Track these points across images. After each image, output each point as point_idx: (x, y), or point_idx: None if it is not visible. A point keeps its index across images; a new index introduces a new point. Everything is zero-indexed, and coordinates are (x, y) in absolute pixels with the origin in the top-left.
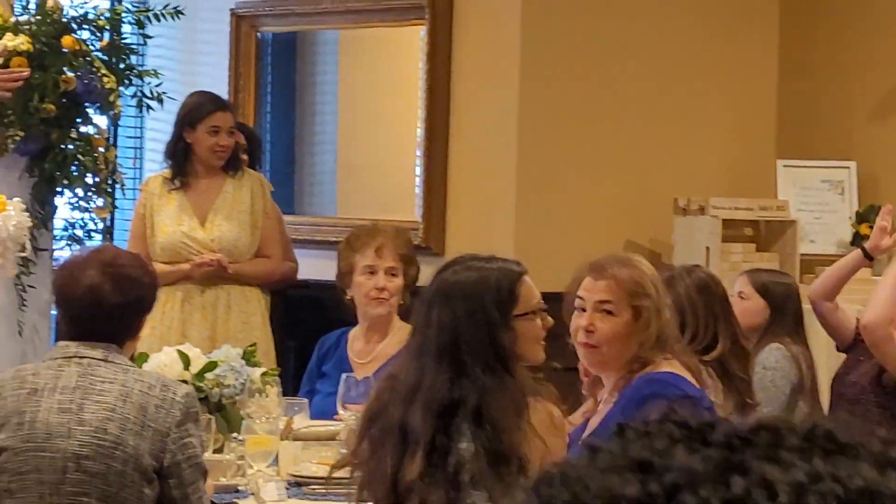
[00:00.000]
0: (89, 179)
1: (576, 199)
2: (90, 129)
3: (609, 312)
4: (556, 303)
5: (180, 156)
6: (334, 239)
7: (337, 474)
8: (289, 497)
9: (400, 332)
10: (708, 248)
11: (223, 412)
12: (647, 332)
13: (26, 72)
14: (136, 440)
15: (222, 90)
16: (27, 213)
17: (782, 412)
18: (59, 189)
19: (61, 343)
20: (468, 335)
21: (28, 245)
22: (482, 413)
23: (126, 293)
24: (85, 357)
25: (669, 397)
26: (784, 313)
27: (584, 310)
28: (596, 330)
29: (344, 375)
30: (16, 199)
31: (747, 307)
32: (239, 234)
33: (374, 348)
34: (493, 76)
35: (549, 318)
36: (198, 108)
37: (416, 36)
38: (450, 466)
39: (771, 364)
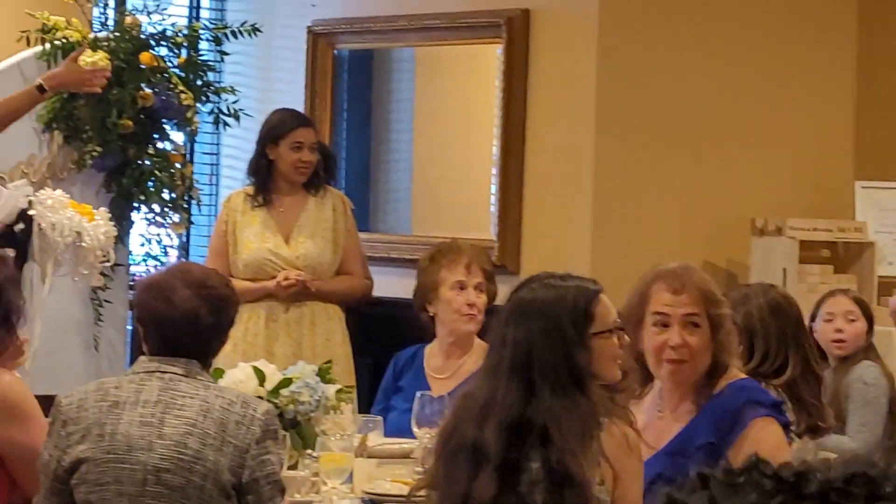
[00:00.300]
0: (166, 195)
1: (652, 218)
2: (167, 146)
3: (696, 325)
4: None
5: (263, 172)
6: (409, 257)
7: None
8: None
9: (479, 350)
10: (785, 270)
11: (298, 429)
12: (728, 340)
13: (108, 71)
14: (216, 455)
15: (298, 107)
16: (112, 223)
17: (885, 429)
18: (135, 205)
19: (143, 358)
20: (542, 353)
21: (112, 254)
22: (548, 434)
23: (220, 315)
24: (167, 372)
25: (764, 402)
26: (872, 334)
27: (665, 325)
28: (685, 344)
29: (418, 393)
30: (102, 209)
31: (859, 329)
32: (322, 252)
33: (453, 364)
34: (570, 94)
35: (626, 337)
36: (280, 125)
37: (492, 54)
38: (522, 486)
39: (870, 380)
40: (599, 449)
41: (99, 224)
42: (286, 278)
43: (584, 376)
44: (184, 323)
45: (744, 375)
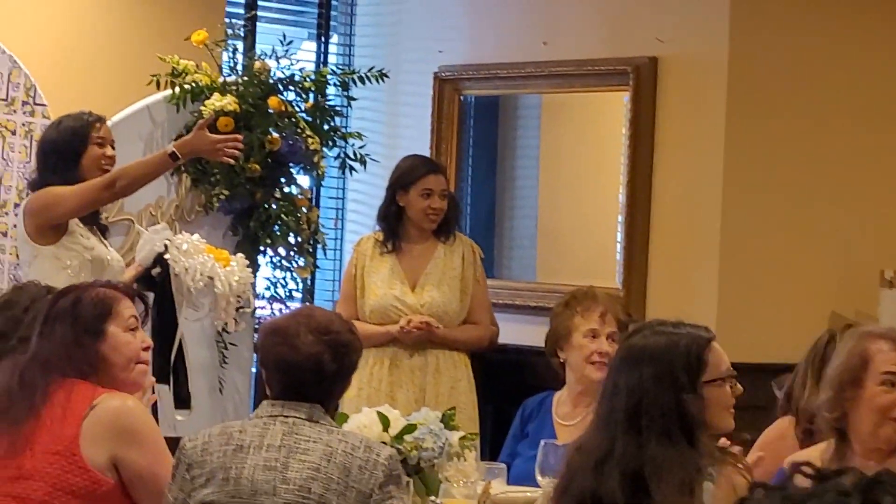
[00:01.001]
0: (291, 239)
1: (780, 269)
2: (293, 190)
3: None
4: (759, 374)
5: (393, 219)
6: (533, 304)
7: None
8: None
9: None
10: None
11: (421, 475)
12: None
13: (240, 140)
14: (339, 500)
15: (424, 153)
16: (249, 269)
17: None
18: (261, 248)
19: (266, 402)
20: (652, 400)
21: (252, 301)
22: (648, 483)
23: (342, 360)
24: (290, 416)
25: None
26: None
27: (894, 385)
28: None
29: (542, 442)
30: (239, 256)
31: None
32: (449, 300)
33: (581, 413)
34: (697, 143)
35: (739, 386)
36: (410, 171)
37: (619, 102)
38: None
39: None
40: (701, 500)
41: (233, 270)
42: (409, 322)
43: (695, 424)
44: (307, 368)
45: None
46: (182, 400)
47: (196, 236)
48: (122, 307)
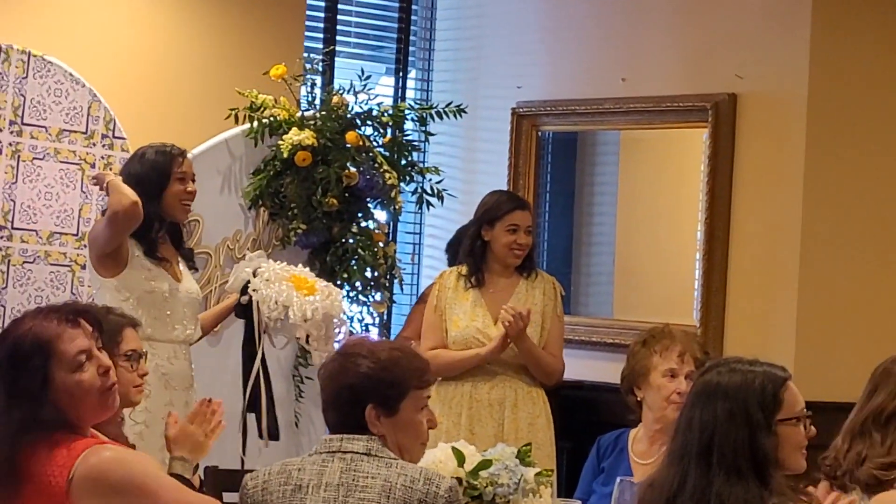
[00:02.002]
0: (368, 274)
1: (859, 306)
2: (370, 224)
3: None
4: (838, 413)
5: (478, 254)
6: (610, 341)
7: None
8: None
9: None
10: None
11: None
12: None
13: None
14: None
15: (501, 188)
16: (338, 297)
17: None
18: (338, 282)
19: (326, 437)
20: (725, 436)
21: (345, 332)
22: None
23: (376, 383)
24: (349, 452)
25: None
26: None
27: None
28: None
29: (619, 479)
30: (324, 287)
31: None
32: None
33: (658, 451)
34: (777, 180)
35: (813, 427)
36: (497, 207)
37: (698, 138)
38: None
39: None
40: None
41: (312, 301)
42: (513, 309)
43: (767, 462)
44: (333, 389)
45: None
46: (268, 430)
47: (283, 264)
48: (63, 344)
